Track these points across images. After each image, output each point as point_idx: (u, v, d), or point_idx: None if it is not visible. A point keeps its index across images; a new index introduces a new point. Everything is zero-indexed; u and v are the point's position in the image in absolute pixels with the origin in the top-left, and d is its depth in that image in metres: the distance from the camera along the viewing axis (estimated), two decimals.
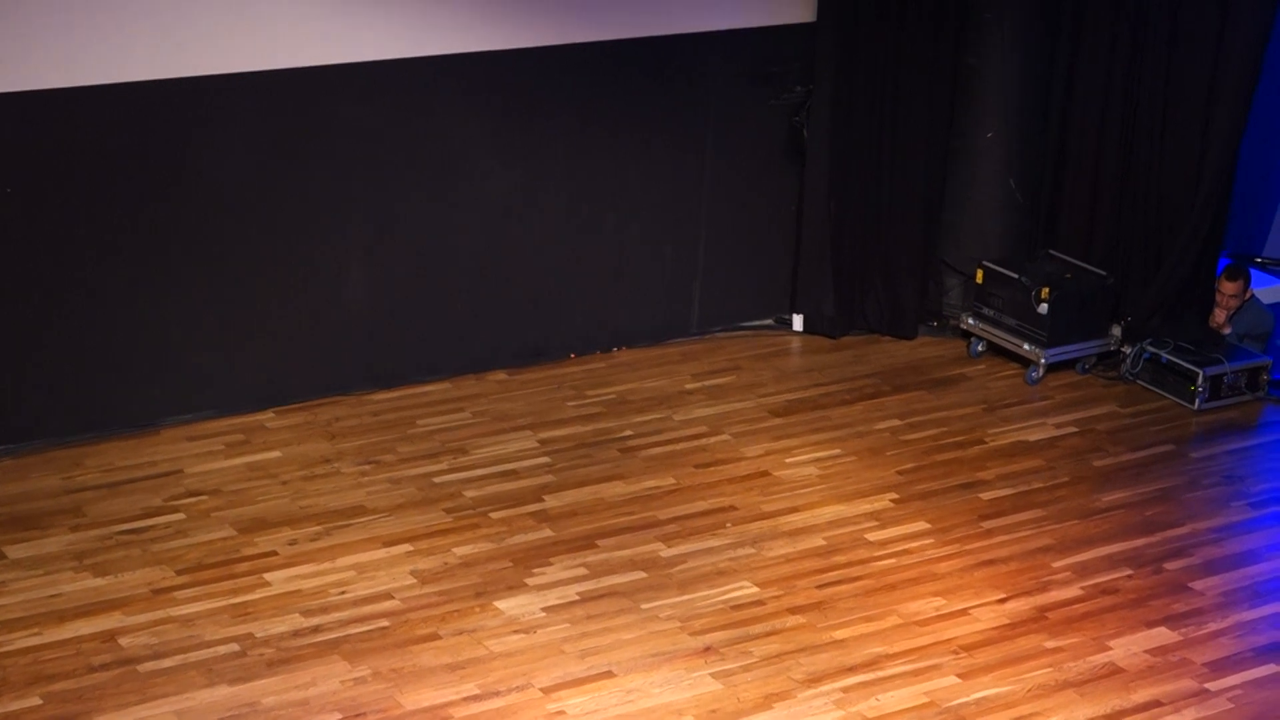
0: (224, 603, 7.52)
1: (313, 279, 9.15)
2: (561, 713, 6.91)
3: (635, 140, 9.75)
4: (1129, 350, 9.91)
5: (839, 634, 7.47)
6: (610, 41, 9.48)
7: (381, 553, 7.94)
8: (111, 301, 8.69)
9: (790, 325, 10.42)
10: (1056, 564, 8.05)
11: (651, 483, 8.63)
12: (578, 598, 7.65)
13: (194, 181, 8.74)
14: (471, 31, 9.08)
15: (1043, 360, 9.81)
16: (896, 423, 9.34)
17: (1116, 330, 10.01)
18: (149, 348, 8.83)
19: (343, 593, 7.63)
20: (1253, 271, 10.39)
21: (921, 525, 8.35)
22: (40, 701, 6.87)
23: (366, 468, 8.68)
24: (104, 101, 8.40)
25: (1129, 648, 7.45)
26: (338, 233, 9.13)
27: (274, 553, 7.91)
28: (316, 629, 7.37)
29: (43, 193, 8.45)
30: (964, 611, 7.67)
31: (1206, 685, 7.22)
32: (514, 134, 9.43)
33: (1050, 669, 7.30)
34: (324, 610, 7.50)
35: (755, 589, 7.77)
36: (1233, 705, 7.10)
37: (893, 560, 8.04)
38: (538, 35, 9.26)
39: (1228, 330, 10.01)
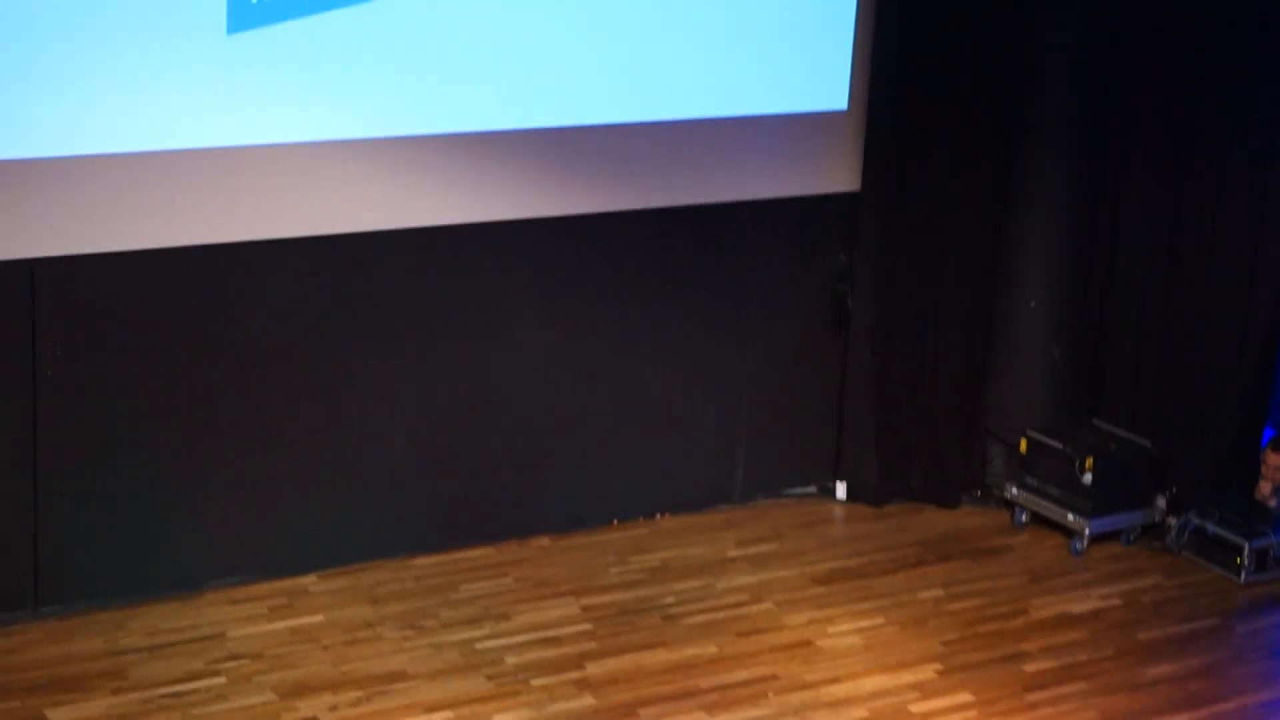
0: None
1: (356, 443, 9.19)
2: None
3: (678, 307, 9.80)
4: (1174, 522, 9.87)
5: None
6: (654, 210, 9.56)
7: (423, 719, 7.91)
8: (155, 464, 8.73)
9: (834, 493, 10.41)
10: None
11: (693, 651, 8.59)
12: None
13: (238, 345, 8.81)
14: (518, 199, 9.18)
15: (1087, 531, 9.77)
16: (940, 592, 9.30)
17: (1161, 501, 9.97)
18: (193, 510, 8.86)
19: None
20: None
21: (965, 697, 8.28)
22: None
23: (408, 633, 8.66)
24: (151, 265, 8.49)
25: None
26: (381, 397, 9.18)
27: (314, 718, 7.88)
28: None
29: (88, 355, 8.53)
30: None
31: None
32: (558, 300, 9.50)
33: None
34: None
35: None
36: None
37: None
38: (582, 203, 9.35)
39: (1273, 503, 9.96)
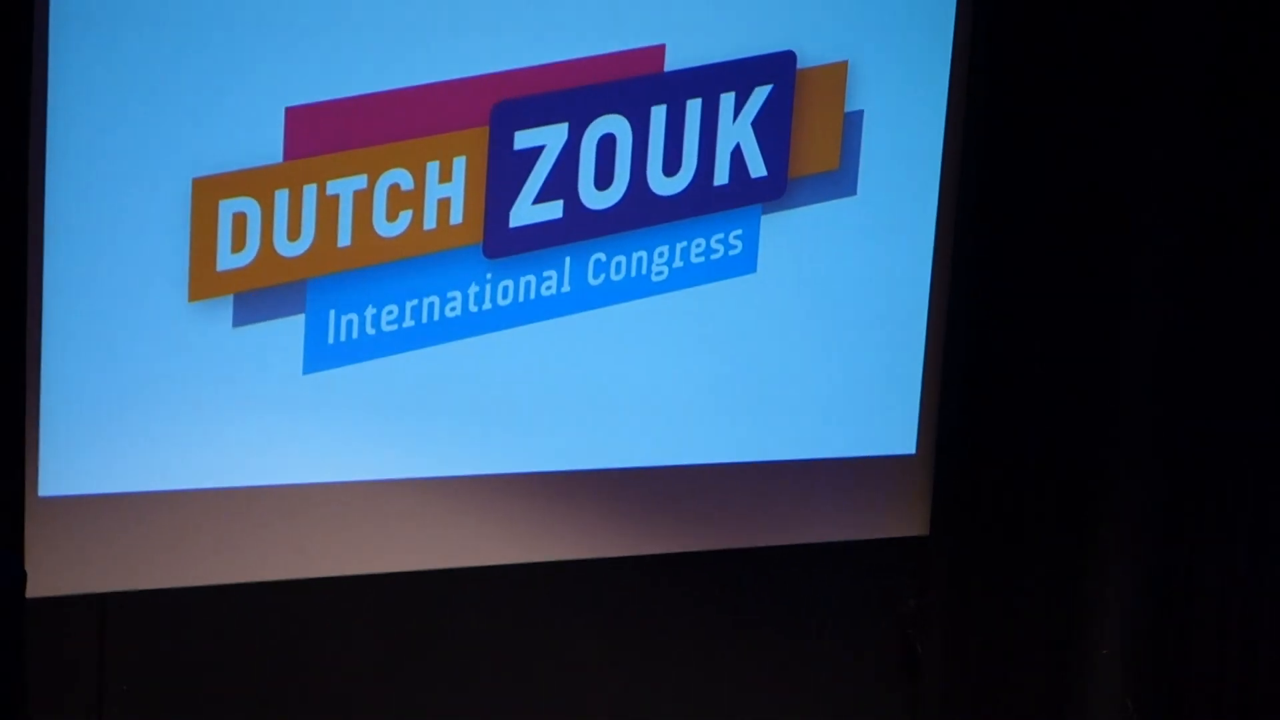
0: None
1: None
2: None
3: (743, 651, 9.72)
4: None
5: None
6: (719, 552, 9.55)
7: None
8: None
9: None
10: None
11: None
12: None
13: (305, 687, 8.77)
14: (582, 539, 9.20)
15: None
16: None
17: None
18: None
19: None
20: None
21: None
22: None
23: None
24: (221, 603, 8.52)
25: None
26: None
27: None
28: None
29: (155, 694, 8.51)
30: None
31: None
32: (622, 643, 9.44)
33: None
34: None
35: None
36: None
37: None
38: (645, 544, 9.36)
39: None
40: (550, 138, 8.70)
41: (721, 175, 9.06)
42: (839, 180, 9.38)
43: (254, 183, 8.15)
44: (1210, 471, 9.93)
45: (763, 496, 9.61)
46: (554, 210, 8.74)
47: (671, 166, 8.96)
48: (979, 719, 10.06)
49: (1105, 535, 10.06)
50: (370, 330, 8.50)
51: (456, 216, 8.55)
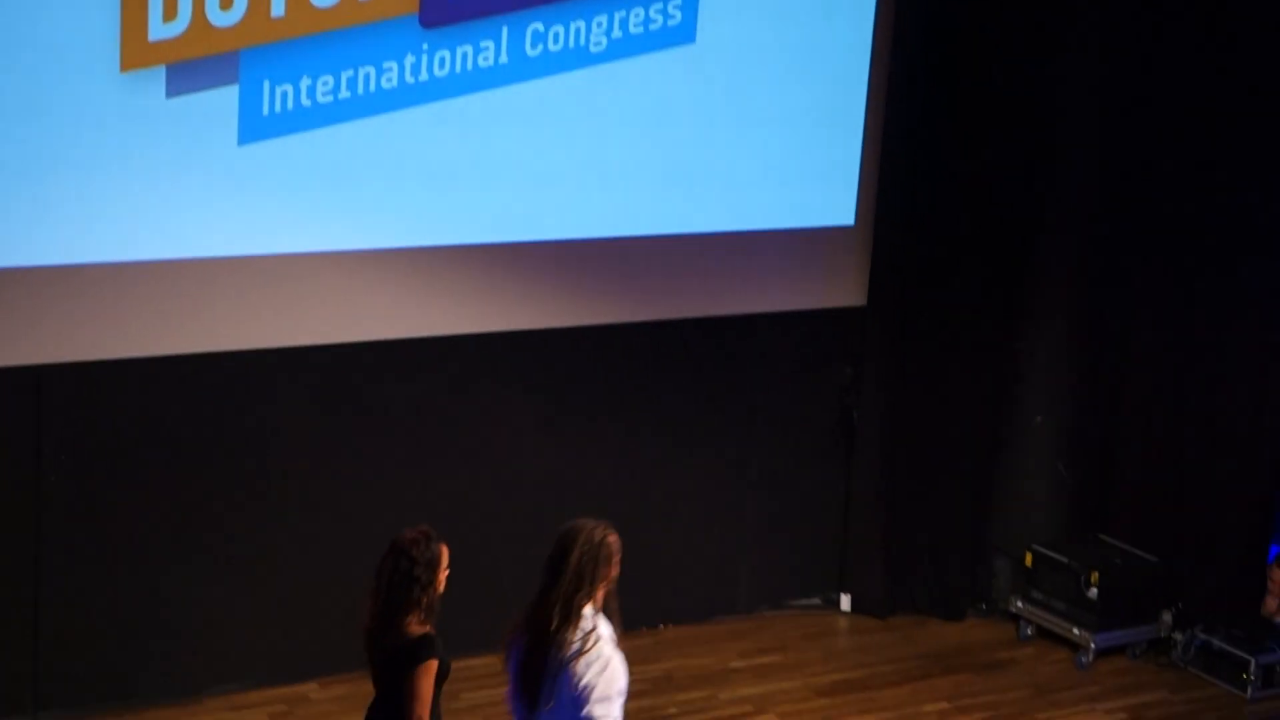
0: None
1: (357, 550, 9.15)
2: None
3: (682, 419, 9.82)
4: (1180, 637, 9.82)
5: None
6: (660, 322, 9.60)
7: None
8: (155, 571, 8.73)
9: (838, 605, 10.38)
10: None
11: None
12: None
13: (239, 453, 8.83)
14: (516, 311, 9.21)
15: (1092, 645, 9.72)
16: (945, 705, 9.25)
17: (1168, 616, 9.92)
18: (192, 617, 8.84)
19: None
20: None
21: None
22: None
23: None
24: (156, 373, 8.53)
25: None
26: (382, 505, 9.17)
27: None
28: None
29: (91, 461, 8.55)
30: None
31: None
32: (561, 411, 9.51)
33: None
34: None
35: None
36: None
37: None
38: (582, 315, 9.38)
39: None
40: None
41: None
42: None
43: None
44: (1139, 242, 10.00)
45: (702, 268, 9.64)
46: None
47: None
48: (913, 483, 10.23)
49: (1038, 303, 10.15)
50: (305, 101, 8.39)
51: None
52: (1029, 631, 10.08)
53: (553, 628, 6.13)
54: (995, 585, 10.41)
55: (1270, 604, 9.98)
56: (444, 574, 6.54)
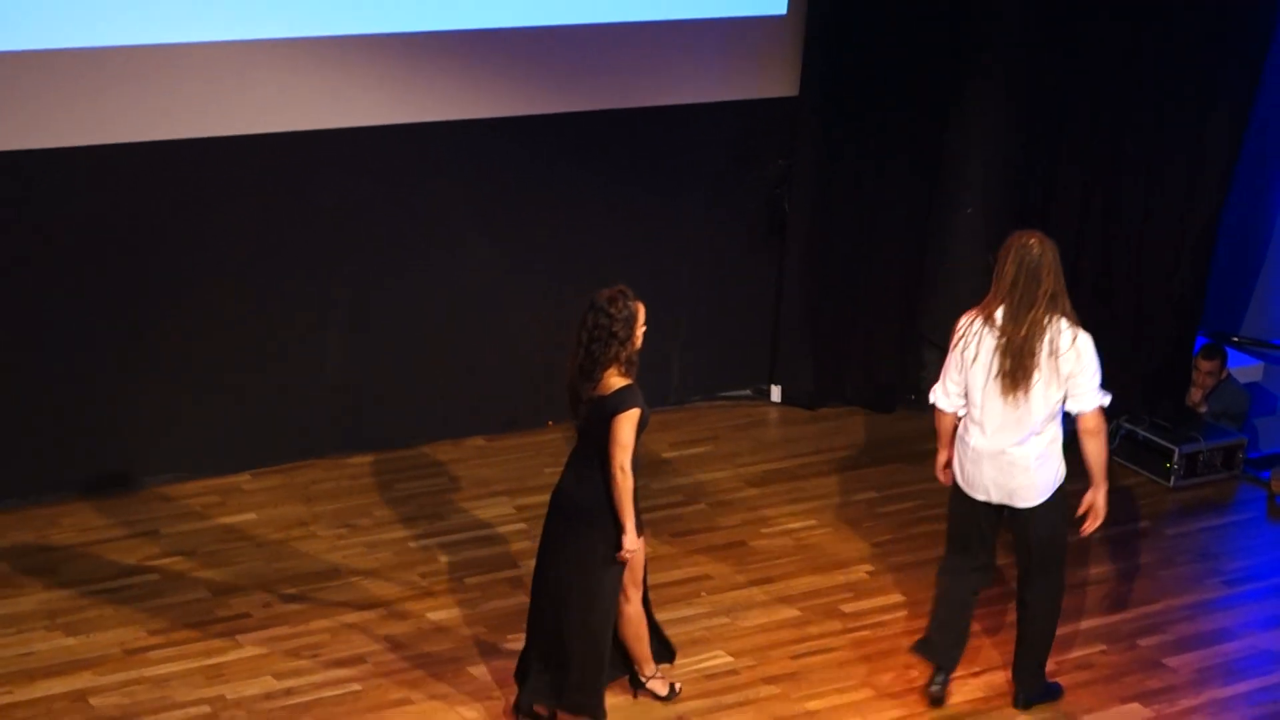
0: (197, 664, 7.50)
1: (292, 343, 9.17)
2: None
3: (616, 210, 9.79)
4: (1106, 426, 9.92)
5: (812, 705, 7.46)
6: (592, 112, 9.52)
7: (355, 616, 7.93)
8: (89, 362, 8.70)
9: (768, 396, 10.45)
10: None
11: None
12: None
13: (174, 245, 8.76)
14: (455, 101, 9.13)
15: None
16: (873, 495, 9.36)
17: None
18: (127, 408, 8.83)
19: (316, 655, 7.61)
20: (1229, 351, 10.43)
21: (897, 597, 8.35)
22: None
23: (342, 531, 8.67)
24: (86, 164, 8.43)
25: None
26: (318, 297, 9.15)
27: (248, 615, 7.89)
28: (289, 692, 7.34)
29: (21, 255, 8.47)
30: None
31: None
32: (494, 203, 9.46)
33: None
34: (296, 673, 7.47)
35: (729, 659, 7.77)
36: None
37: (868, 632, 8.04)
38: (519, 106, 9.30)
39: (1204, 409, 10.05)
40: None
41: None
42: None
43: None
44: (1072, 29, 9.93)
45: (633, 58, 9.53)
46: None
47: None
48: (843, 275, 10.25)
49: (970, 92, 10.11)
50: None
51: None
52: None
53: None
54: (924, 377, 10.47)
55: (1195, 395, 10.10)
56: (641, 330, 7.00)
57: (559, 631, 6.92)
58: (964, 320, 7.22)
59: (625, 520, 6.81)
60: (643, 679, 7.36)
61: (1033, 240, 7.05)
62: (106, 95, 8.32)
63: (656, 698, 7.37)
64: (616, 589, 6.95)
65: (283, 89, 8.68)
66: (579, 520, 6.89)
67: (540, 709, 7.07)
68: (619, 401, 6.83)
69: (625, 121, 9.62)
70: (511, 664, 7.38)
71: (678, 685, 7.41)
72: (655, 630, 7.34)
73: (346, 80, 8.81)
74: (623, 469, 6.80)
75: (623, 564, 6.93)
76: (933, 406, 7.43)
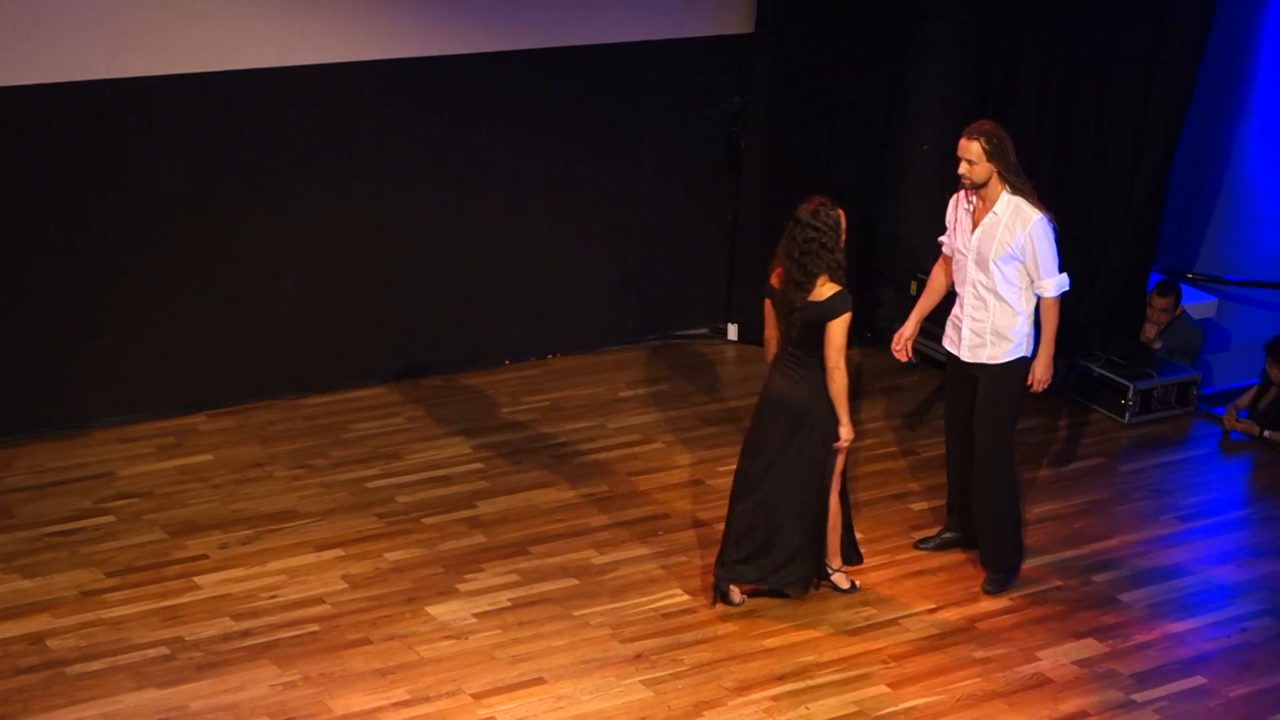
0: (153, 606, 7.49)
1: (246, 283, 9.12)
2: (492, 719, 6.91)
3: (571, 149, 9.76)
4: (1061, 364, 9.95)
5: (769, 642, 7.49)
6: (547, 49, 9.48)
7: (313, 557, 7.92)
8: (42, 303, 8.64)
9: (725, 335, 10.45)
10: None
11: (584, 490, 8.63)
12: (509, 604, 7.65)
13: (126, 184, 8.71)
14: (407, 37, 9.08)
15: None
16: None
17: None
18: (80, 349, 8.79)
19: (273, 597, 7.60)
20: (1183, 288, 10.47)
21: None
22: None
23: (298, 472, 8.65)
24: (35, 101, 8.35)
25: (1057, 659, 7.50)
26: (271, 237, 9.10)
27: (205, 556, 7.88)
28: (246, 633, 7.34)
29: None
30: (894, 621, 7.70)
31: (1133, 696, 7.27)
32: (449, 141, 9.42)
33: (979, 679, 7.34)
34: (254, 614, 7.47)
35: (687, 597, 7.79)
36: (1159, 717, 7.15)
37: None
38: (474, 42, 9.26)
39: (1158, 345, 10.09)
40: None
41: None
42: None
43: None
44: None
45: None
46: None
47: None
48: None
49: (927, 28, 10.08)
50: None
51: None
52: (914, 360, 10.16)
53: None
54: (880, 314, 10.50)
55: (1149, 331, 10.14)
56: (844, 236, 7.40)
57: (774, 521, 7.49)
58: None
59: (841, 414, 7.42)
60: (829, 570, 7.82)
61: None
62: (50, 32, 8.24)
63: (838, 590, 7.84)
64: (833, 476, 7.57)
65: (229, 27, 8.61)
66: (803, 417, 7.45)
67: (738, 591, 7.65)
68: (834, 307, 7.32)
69: (579, 59, 9.57)
70: (466, 604, 7.39)
71: (858, 583, 7.87)
72: (849, 529, 7.87)
73: (295, 18, 8.73)
74: (839, 367, 7.34)
75: (838, 454, 7.50)
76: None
